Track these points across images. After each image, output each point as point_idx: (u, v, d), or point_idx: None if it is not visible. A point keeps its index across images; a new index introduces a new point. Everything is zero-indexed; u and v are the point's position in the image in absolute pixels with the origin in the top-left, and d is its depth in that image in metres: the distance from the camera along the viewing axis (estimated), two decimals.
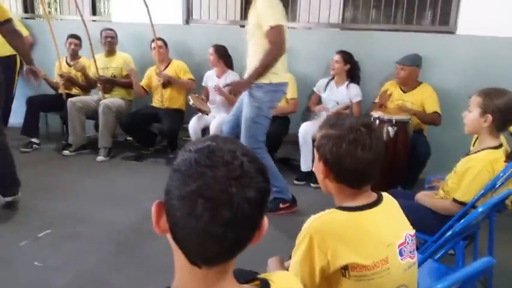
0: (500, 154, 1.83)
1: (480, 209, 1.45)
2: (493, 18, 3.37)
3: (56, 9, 5.61)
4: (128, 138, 4.42)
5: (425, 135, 3.39)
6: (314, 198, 3.15)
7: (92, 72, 4.27)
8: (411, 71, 3.33)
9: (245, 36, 2.82)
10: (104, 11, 5.48)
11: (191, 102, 3.78)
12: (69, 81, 4.30)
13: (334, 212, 1.12)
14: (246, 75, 2.80)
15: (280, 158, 3.97)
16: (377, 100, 3.55)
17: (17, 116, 4.37)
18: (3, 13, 2.69)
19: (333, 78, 3.73)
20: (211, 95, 4.07)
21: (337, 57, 3.62)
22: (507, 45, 3.39)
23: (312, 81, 3.87)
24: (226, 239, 0.64)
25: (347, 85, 3.65)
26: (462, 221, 1.45)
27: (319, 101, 3.83)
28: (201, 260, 0.68)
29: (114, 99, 4.17)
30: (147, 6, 3.72)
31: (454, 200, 1.85)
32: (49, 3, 5.60)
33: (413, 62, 3.33)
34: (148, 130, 4.21)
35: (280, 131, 3.72)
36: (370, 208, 1.12)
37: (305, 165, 3.51)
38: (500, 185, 1.77)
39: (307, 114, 3.95)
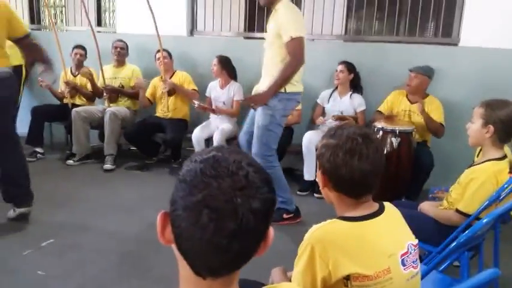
0: (504, 165, 1.83)
1: (485, 220, 1.44)
2: (496, 29, 3.39)
3: (61, 20, 5.67)
4: (132, 147, 4.44)
5: (429, 146, 3.39)
6: (317, 209, 3.15)
7: (99, 82, 4.31)
8: (423, 80, 3.33)
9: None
10: (109, 22, 5.54)
11: (196, 104, 3.82)
12: (75, 90, 4.33)
13: (336, 222, 1.13)
14: (261, 84, 2.82)
15: (283, 168, 3.96)
16: (380, 108, 3.54)
17: (21, 125, 4.37)
18: (22, 28, 2.71)
19: (336, 88, 3.75)
20: (215, 105, 4.09)
21: (341, 67, 3.65)
22: (510, 56, 3.40)
23: (315, 92, 3.89)
24: (231, 250, 0.64)
25: (350, 95, 3.67)
26: (467, 232, 1.44)
27: (323, 113, 3.85)
28: (205, 271, 0.67)
29: (120, 108, 4.21)
30: (154, 17, 3.76)
31: (458, 211, 1.85)
32: (55, 14, 5.66)
33: (427, 72, 3.33)
34: (152, 140, 4.23)
35: (283, 142, 3.71)
36: (372, 218, 1.13)
37: (308, 174, 3.51)
38: (504, 196, 1.77)
39: (311, 126, 3.96)
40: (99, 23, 5.22)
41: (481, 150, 2.00)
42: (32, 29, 5.26)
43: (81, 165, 4.11)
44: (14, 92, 2.69)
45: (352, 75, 3.66)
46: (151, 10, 3.74)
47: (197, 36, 4.60)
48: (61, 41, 4.06)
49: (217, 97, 4.07)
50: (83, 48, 4.40)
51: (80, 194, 3.39)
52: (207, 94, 4.17)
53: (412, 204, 2.22)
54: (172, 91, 4.08)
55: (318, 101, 3.87)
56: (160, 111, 4.20)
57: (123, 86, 4.31)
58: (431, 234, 1.86)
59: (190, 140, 3.97)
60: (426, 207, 2.04)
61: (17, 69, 4.08)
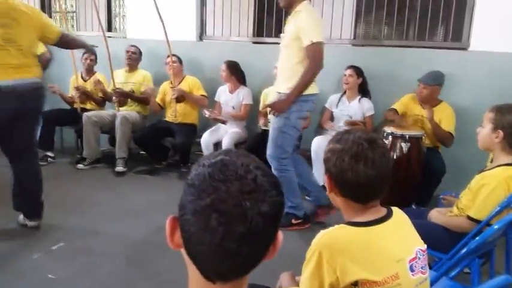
0: None
1: (496, 226, 1.43)
2: (506, 34, 3.35)
3: (72, 26, 5.74)
4: (142, 152, 4.46)
5: (440, 152, 3.35)
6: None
7: (109, 86, 4.34)
8: (433, 90, 3.28)
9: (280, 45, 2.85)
10: (120, 28, 5.60)
11: (207, 115, 3.85)
12: (85, 95, 4.38)
13: (343, 228, 1.12)
14: (275, 85, 2.84)
15: None
16: (395, 106, 3.47)
17: None
18: (55, 34, 2.71)
19: (345, 93, 3.74)
20: (224, 109, 4.11)
21: (349, 71, 3.64)
22: None
23: (323, 97, 3.88)
24: (240, 254, 0.64)
25: (359, 99, 3.66)
26: (477, 238, 1.42)
27: (331, 117, 3.84)
28: (215, 275, 0.67)
29: (131, 112, 4.24)
30: (163, 22, 3.79)
31: (469, 218, 1.83)
32: (66, 20, 5.74)
33: (435, 81, 3.27)
34: (161, 144, 4.25)
35: None
36: (380, 223, 1.12)
37: (317, 179, 3.49)
38: None
39: (319, 131, 3.95)
40: (109, 29, 5.28)
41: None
42: None
43: (91, 169, 4.15)
44: (43, 102, 2.70)
45: (360, 80, 3.65)
46: (160, 17, 3.77)
47: (206, 41, 4.63)
48: None
49: (226, 102, 4.09)
50: (93, 53, 4.45)
51: (90, 198, 3.41)
52: (216, 99, 4.18)
53: (422, 210, 2.20)
54: (181, 98, 4.10)
55: (326, 105, 3.86)
56: (170, 116, 4.22)
57: (133, 91, 4.35)
58: (441, 241, 1.84)
59: (199, 144, 3.99)
60: (436, 215, 2.02)
61: None
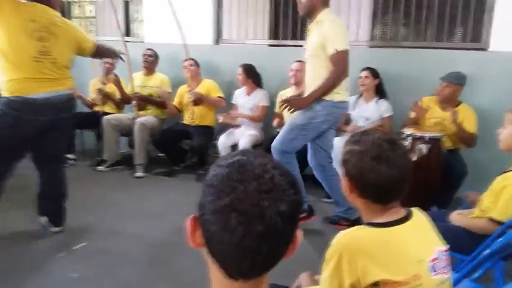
0: None
1: None
2: None
3: (91, 31, 5.85)
4: (160, 154, 4.52)
5: (460, 154, 3.31)
6: None
7: (128, 89, 4.42)
8: (455, 89, 3.24)
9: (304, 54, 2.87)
10: (137, 33, 5.67)
11: (221, 120, 3.90)
12: (106, 97, 4.45)
13: (363, 229, 1.13)
14: (306, 93, 2.84)
15: (309, 175, 3.95)
16: (413, 115, 3.45)
17: None
18: (90, 49, 2.79)
19: (361, 95, 3.73)
20: (241, 112, 4.13)
21: (365, 73, 3.63)
22: None
23: None
24: (260, 252, 0.65)
25: (376, 101, 3.64)
26: (500, 239, 1.41)
27: (348, 119, 3.82)
28: (236, 273, 0.69)
29: (148, 117, 4.30)
30: (180, 27, 3.84)
31: (491, 219, 1.80)
32: (85, 25, 5.85)
33: (459, 80, 3.24)
34: (179, 146, 4.30)
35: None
36: (399, 224, 1.12)
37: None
38: None
39: (337, 133, 3.93)
40: (127, 34, 5.36)
41: None
42: None
43: (111, 171, 4.22)
44: (74, 113, 2.77)
45: (377, 81, 3.63)
46: (177, 21, 3.81)
47: (223, 45, 4.67)
48: None
49: (243, 104, 4.12)
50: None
51: (110, 199, 3.48)
52: (233, 101, 4.22)
53: (443, 213, 2.17)
54: (198, 101, 4.14)
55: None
56: (187, 119, 4.27)
57: (151, 95, 4.41)
58: (463, 243, 1.81)
59: (216, 146, 4.02)
60: (457, 217, 1.99)
61: None
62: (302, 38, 4.42)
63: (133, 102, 4.27)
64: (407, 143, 3.01)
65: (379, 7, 4.07)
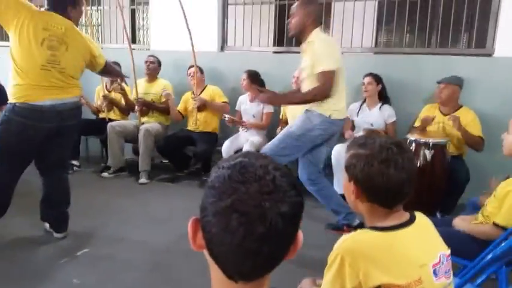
0: None
1: None
2: None
3: (97, 38, 5.91)
4: (164, 160, 4.54)
5: (464, 159, 3.29)
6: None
7: (132, 96, 4.44)
8: (454, 89, 3.26)
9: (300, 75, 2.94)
10: (143, 40, 5.74)
11: (227, 118, 3.92)
12: (111, 103, 4.49)
13: (366, 233, 1.12)
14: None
15: None
16: (417, 124, 3.46)
17: None
18: (101, 65, 2.84)
19: (365, 101, 3.73)
20: (245, 118, 4.14)
21: (367, 79, 3.63)
22: None
23: (346, 105, 3.87)
24: (261, 253, 0.65)
25: (380, 107, 3.64)
26: (503, 244, 1.39)
27: (352, 126, 3.81)
28: (237, 274, 0.68)
29: (153, 124, 4.32)
30: (190, 34, 3.85)
31: (495, 224, 1.79)
32: (92, 33, 5.92)
33: (457, 81, 3.26)
34: (183, 153, 4.32)
35: None
36: (402, 228, 1.11)
37: (339, 188, 3.46)
38: None
39: (340, 140, 3.93)
40: (133, 41, 5.42)
41: None
42: None
43: (116, 177, 4.24)
44: (80, 121, 2.80)
45: (380, 86, 3.63)
46: (188, 27, 3.83)
47: (227, 52, 4.69)
48: None
49: (247, 110, 4.13)
50: (118, 64, 4.55)
51: (114, 205, 3.48)
52: (237, 108, 4.23)
53: (446, 219, 2.16)
54: (202, 107, 4.16)
55: (347, 114, 3.84)
56: (191, 125, 4.28)
57: (154, 102, 4.43)
58: (467, 248, 1.80)
59: (220, 152, 4.03)
60: (460, 223, 1.98)
61: None
62: None
63: (136, 108, 4.29)
64: (411, 148, 3.00)
65: (383, 14, 4.08)
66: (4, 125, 2.48)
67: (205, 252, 0.70)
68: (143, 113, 4.38)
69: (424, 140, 3.00)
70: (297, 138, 2.75)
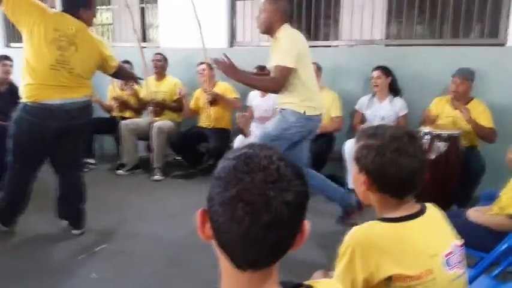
0: None
1: None
2: None
3: (108, 37, 5.97)
4: (177, 157, 4.58)
5: (478, 150, 3.25)
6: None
7: (143, 94, 4.48)
8: (470, 85, 3.22)
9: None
10: (153, 38, 5.76)
11: (237, 121, 3.92)
12: (123, 105, 4.54)
13: (376, 224, 1.13)
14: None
15: (326, 176, 3.94)
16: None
17: None
18: (112, 68, 2.86)
19: (375, 94, 3.70)
20: (256, 113, 4.15)
21: (376, 73, 3.60)
22: None
23: (357, 98, 3.86)
24: (267, 241, 0.66)
25: (391, 99, 3.61)
26: None
27: (363, 119, 3.80)
28: (244, 263, 0.70)
29: (165, 122, 4.35)
30: (200, 30, 3.86)
31: (509, 216, 1.78)
32: (102, 32, 5.97)
33: (471, 76, 3.21)
34: (196, 149, 4.36)
35: (324, 149, 3.72)
36: (413, 219, 1.12)
37: (351, 183, 3.46)
38: None
39: (352, 134, 3.92)
40: (144, 39, 5.45)
41: None
42: None
43: (130, 174, 4.30)
44: (90, 119, 2.84)
45: (389, 79, 3.60)
46: (199, 23, 3.84)
47: (237, 47, 4.70)
48: None
49: (258, 105, 4.14)
50: (129, 63, 4.60)
51: (129, 202, 3.54)
52: (248, 103, 4.24)
53: (461, 211, 2.15)
54: (215, 101, 4.18)
55: (357, 107, 3.83)
56: (204, 122, 4.31)
57: (165, 100, 4.46)
58: (483, 240, 1.79)
59: (232, 148, 4.04)
60: (475, 214, 1.97)
61: None
62: (316, 38, 4.44)
63: (150, 108, 4.32)
64: (425, 141, 2.98)
65: (393, 5, 4.04)
66: (16, 124, 2.54)
67: (214, 242, 0.72)
68: (157, 114, 4.41)
69: (438, 132, 2.97)
70: (273, 139, 2.68)
